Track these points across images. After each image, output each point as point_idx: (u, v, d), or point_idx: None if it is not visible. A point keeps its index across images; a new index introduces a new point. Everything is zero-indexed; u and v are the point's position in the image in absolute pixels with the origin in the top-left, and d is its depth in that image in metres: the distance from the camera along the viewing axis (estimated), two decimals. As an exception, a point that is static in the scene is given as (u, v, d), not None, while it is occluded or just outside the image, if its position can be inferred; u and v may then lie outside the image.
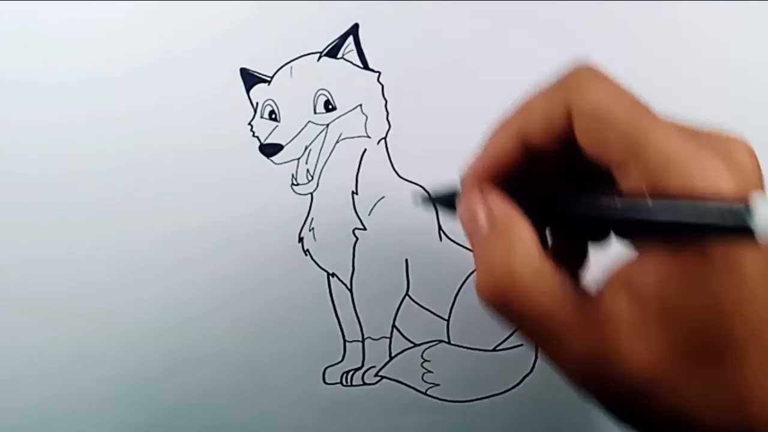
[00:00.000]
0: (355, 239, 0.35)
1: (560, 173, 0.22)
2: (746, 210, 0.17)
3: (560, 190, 0.21)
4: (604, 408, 0.21)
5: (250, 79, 0.33)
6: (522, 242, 0.20)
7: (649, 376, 0.19)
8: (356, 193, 0.34)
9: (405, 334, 0.38)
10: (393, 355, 0.38)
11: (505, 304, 0.20)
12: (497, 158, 0.22)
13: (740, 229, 0.17)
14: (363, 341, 0.37)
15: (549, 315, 0.20)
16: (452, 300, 0.37)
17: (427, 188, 0.33)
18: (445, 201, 0.24)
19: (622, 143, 0.19)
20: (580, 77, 0.20)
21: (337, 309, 0.37)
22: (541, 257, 0.20)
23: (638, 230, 0.19)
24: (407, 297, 0.37)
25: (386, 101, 0.33)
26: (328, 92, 0.33)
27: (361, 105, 0.34)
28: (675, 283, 0.18)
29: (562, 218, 0.21)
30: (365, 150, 0.34)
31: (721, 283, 0.18)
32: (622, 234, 0.20)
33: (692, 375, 0.19)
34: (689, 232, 0.18)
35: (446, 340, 0.37)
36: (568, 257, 0.23)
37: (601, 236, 0.22)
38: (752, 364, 0.18)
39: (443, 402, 0.39)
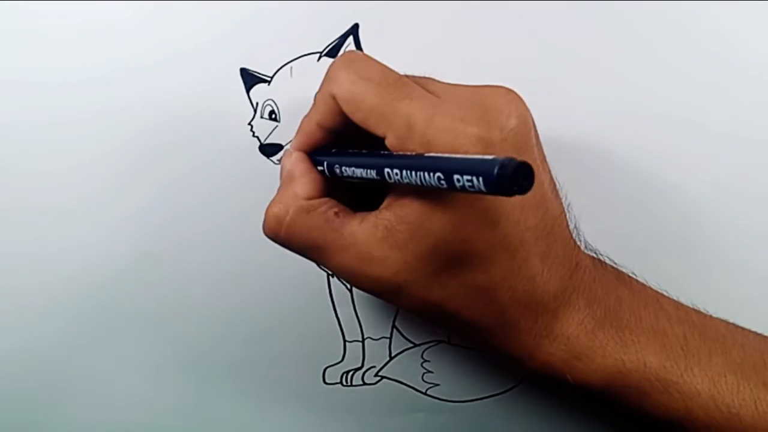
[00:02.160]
0: (355, 239, 0.35)
1: (362, 139, 0.26)
2: (470, 175, 0.19)
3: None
4: (387, 300, 0.26)
5: (250, 79, 0.33)
6: (295, 191, 0.26)
7: (401, 277, 0.24)
8: (356, 193, 0.34)
9: (405, 334, 0.38)
10: (393, 355, 0.38)
11: (277, 235, 0.26)
12: (307, 141, 0.27)
13: (469, 187, 0.19)
14: (363, 341, 0.37)
15: (311, 241, 0.26)
16: (452, 300, 0.37)
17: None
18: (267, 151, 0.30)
19: (375, 118, 0.24)
20: (338, 69, 0.25)
21: (337, 309, 0.37)
22: (309, 198, 0.26)
23: (384, 178, 0.23)
24: (407, 297, 0.37)
25: (386, 101, 0.33)
26: (328, 92, 0.33)
27: (361, 105, 0.33)
28: (421, 209, 0.23)
29: (346, 166, 0.26)
30: (365, 150, 0.34)
31: (461, 209, 0.23)
32: (391, 181, 0.23)
33: (439, 278, 0.24)
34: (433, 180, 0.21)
35: (446, 340, 0.37)
36: (367, 198, 0.27)
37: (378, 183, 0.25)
38: (499, 268, 0.24)
39: (443, 402, 0.39)
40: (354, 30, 0.33)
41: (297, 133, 0.28)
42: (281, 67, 0.33)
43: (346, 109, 0.24)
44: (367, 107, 0.24)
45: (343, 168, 0.26)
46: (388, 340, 0.37)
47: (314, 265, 0.36)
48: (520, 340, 0.26)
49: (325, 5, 0.33)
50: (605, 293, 0.27)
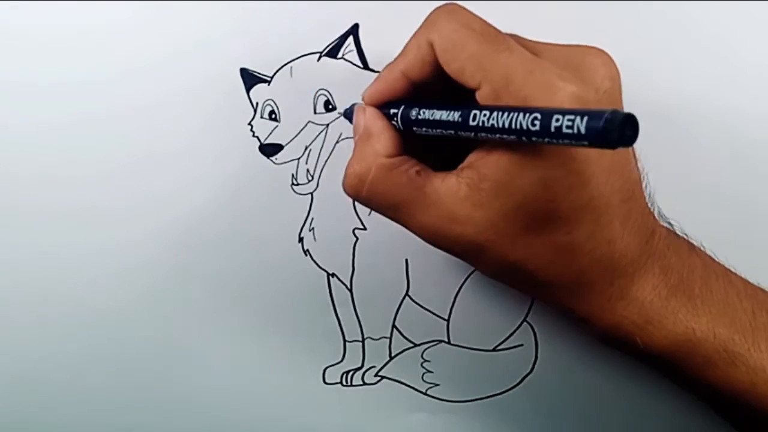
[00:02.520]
0: (355, 239, 0.35)
1: (445, 97, 0.26)
2: (572, 117, 0.18)
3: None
4: (466, 259, 0.26)
5: (250, 79, 0.33)
6: (375, 149, 0.26)
7: (483, 236, 0.24)
8: (356, 193, 0.34)
9: (405, 334, 0.38)
10: (393, 355, 0.38)
11: (359, 194, 0.26)
12: (387, 88, 0.27)
13: (541, 134, 0.19)
14: (363, 341, 0.37)
15: (394, 200, 0.25)
16: (452, 300, 0.37)
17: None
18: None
19: (473, 67, 0.23)
20: (438, 17, 0.24)
21: (337, 309, 0.37)
22: (389, 156, 0.25)
23: (483, 133, 0.22)
24: (407, 297, 0.37)
25: (386, 101, 0.33)
26: (328, 92, 0.33)
27: (361, 105, 0.33)
28: (508, 168, 0.23)
29: (425, 125, 0.25)
30: (365, 150, 0.34)
31: (550, 169, 0.22)
32: (476, 137, 0.23)
33: (522, 237, 0.24)
34: (525, 135, 0.20)
35: (446, 340, 0.37)
36: (443, 158, 0.27)
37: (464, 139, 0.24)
38: (583, 230, 0.24)
39: (443, 402, 0.38)
40: (354, 30, 0.33)
41: (375, 81, 0.27)
42: (281, 67, 0.33)
43: (444, 57, 0.24)
44: (466, 55, 0.23)
45: (422, 111, 0.25)
46: (388, 340, 0.37)
47: (314, 265, 0.36)
48: (595, 302, 0.26)
49: (325, 5, 0.33)
50: (678, 262, 0.27)
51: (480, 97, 0.23)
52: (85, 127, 0.34)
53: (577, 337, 0.37)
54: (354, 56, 0.33)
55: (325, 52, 0.33)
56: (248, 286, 0.36)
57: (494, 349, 0.37)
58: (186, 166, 0.35)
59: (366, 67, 0.33)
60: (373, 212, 0.35)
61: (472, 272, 0.36)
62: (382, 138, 0.26)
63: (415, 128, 0.26)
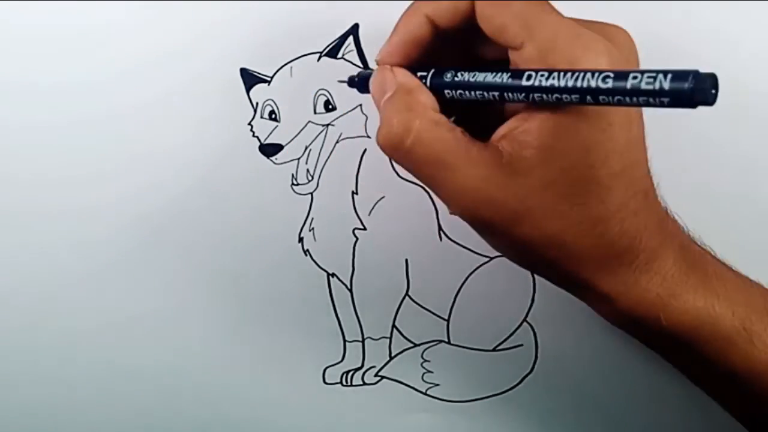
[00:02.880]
0: (355, 239, 0.35)
1: (468, 58, 0.25)
2: (653, 75, 0.18)
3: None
4: (498, 232, 0.25)
5: (250, 79, 0.33)
6: (420, 101, 0.24)
7: (525, 204, 0.23)
8: (356, 193, 0.34)
9: (405, 334, 0.38)
10: (393, 355, 0.38)
11: (400, 145, 0.23)
12: (409, 38, 0.25)
13: (612, 92, 0.19)
14: (363, 341, 0.37)
15: (439, 156, 0.23)
16: (452, 300, 0.37)
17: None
18: (364, 82, 0.27)
19: (517, 25, 0.22)
20: None
21: (337, 309, 0.37)
22: (436, 113, 0.24)
23: (538, 94, 0.21)
24: (407, 297, 0.37)
25: (386, 101, 0.33)
26: (328, 92, 0.33)
27: (361, 105, 0.33)
28: (552, 133, 0.22)
29: (463, 88, 0.24)
30: (365, 150, 0.34)
31: (592, 134, 0.22)
32: (526, 99, 0.22)
33: (560, 206, 0.23)
34: (569, 98, 0.20)
35: (446, 340, 0.37)
36: (475, 124, 0.25)
37: (499, 104, 0.24)
38: (615, 198, 0.23)
39: (443, 402, 0.39)
40: (354, 30, 0.33)
41: (393, 32, 0.25)
42: (281, 67, 0.33)
43: (485, 11, 0.23)
44: (512, 12, 0.22)
45: (459, 74, 0.24)
46: (388, 340, 0.37)
47: (314, 265, 0.36)
48: (621, 275, 0.25)
49: (325, 5, 0.33)
50: (690, 244, 0.27)
51: (520, 58, 0.22)
52: (85, 127, 0.34)
53: (577, 337, 0.37)
54: (354, 56, 0.33)
55: (325, 52, 0.33)
56: (248, 286, 0.36)
57: (494, 349, 0.37)
58: (186, 167, 0.35)
59: (366, 67, 0.33)
60: (372, 212, 0.35)
61: (472, 272, 0.36)
62: (424, 91, 0.24)
63: (447, 92, 0.24)
